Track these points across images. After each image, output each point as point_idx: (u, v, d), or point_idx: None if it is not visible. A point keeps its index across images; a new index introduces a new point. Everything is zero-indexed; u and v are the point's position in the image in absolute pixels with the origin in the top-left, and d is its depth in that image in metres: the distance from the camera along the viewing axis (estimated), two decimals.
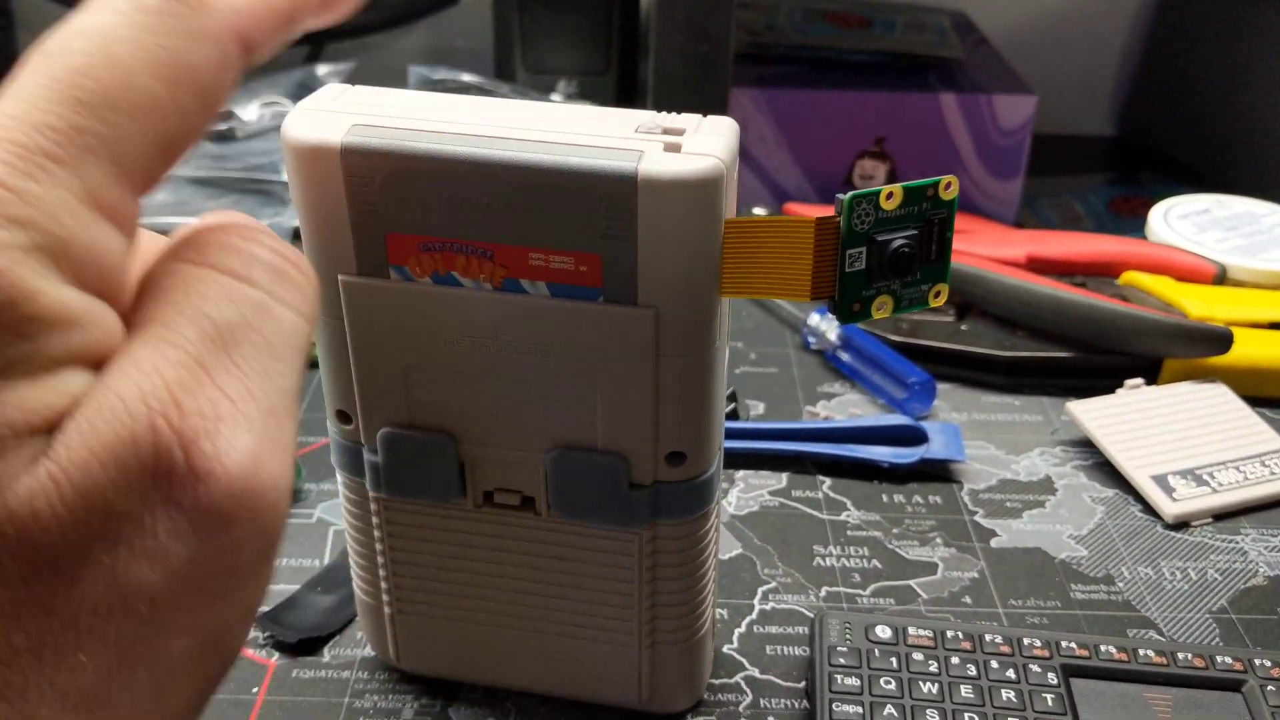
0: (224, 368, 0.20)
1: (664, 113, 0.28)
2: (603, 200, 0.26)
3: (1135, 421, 0.48)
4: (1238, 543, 0.44)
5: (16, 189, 0.17)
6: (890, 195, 0.26)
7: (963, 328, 0.54)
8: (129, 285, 0.20)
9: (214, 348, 0.20)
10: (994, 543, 0.43)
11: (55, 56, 0.19)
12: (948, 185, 0.27)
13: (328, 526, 0.43)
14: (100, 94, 0.18)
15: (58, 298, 0.18)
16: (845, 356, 0.53)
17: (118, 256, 0.19)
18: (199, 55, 0.20)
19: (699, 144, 0.26)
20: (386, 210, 0.27)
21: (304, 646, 0.38)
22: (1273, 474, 0.46)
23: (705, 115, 0.28)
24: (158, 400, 0.18)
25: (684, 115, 0.28)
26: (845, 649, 0.35)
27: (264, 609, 0.38)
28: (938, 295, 0.28)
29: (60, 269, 0.18)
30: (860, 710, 0.34)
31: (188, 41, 0.20)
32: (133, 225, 0.20)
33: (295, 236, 0.63)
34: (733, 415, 0.49)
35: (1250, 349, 0.51)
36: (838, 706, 0.34)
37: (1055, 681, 0.35)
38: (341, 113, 0.27)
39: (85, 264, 0.18)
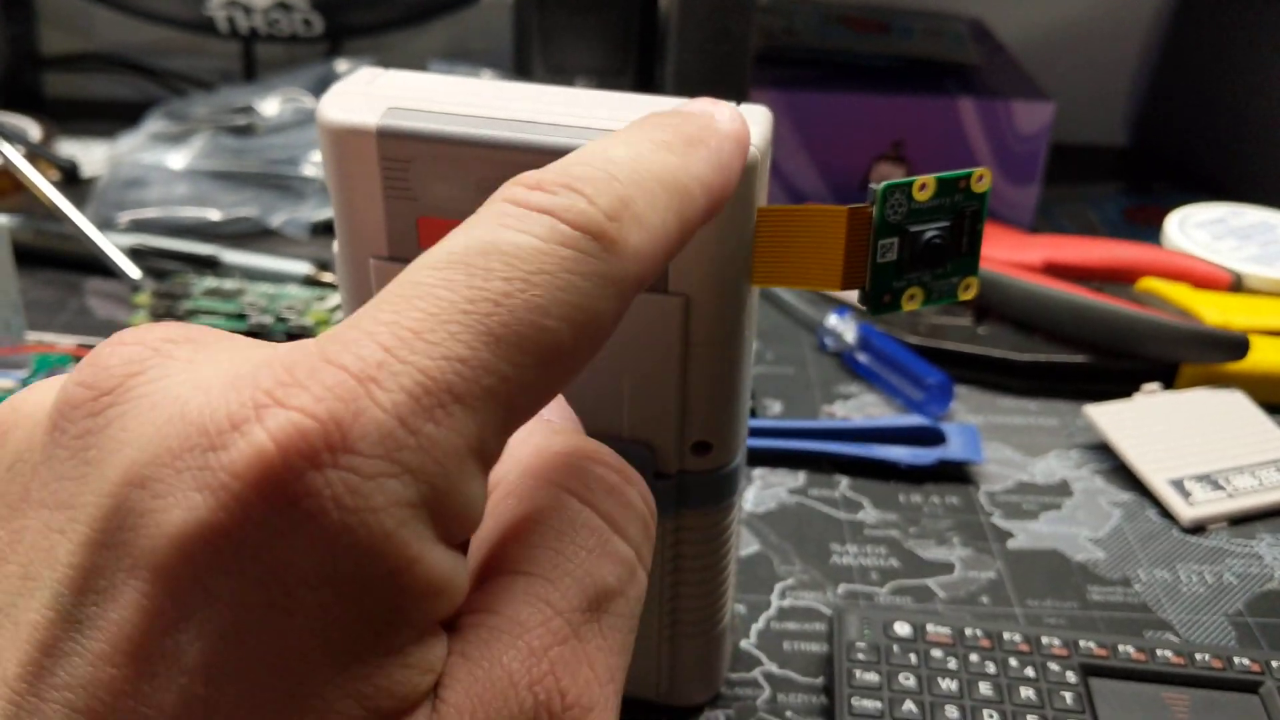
0: (596, 644, 0.18)
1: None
2: None
3: (1152, 426, 0.48)
4: (1253, 547, 0.44)
5: (416, 430, 0.15)
6: (923, 186, 0.26)
7: (980, 331, 0.54)
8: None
9: (591, 617, 0.18)
10: (1011, 544, 0.43)
11: (474, 274, 0.16)
12: (980, 178, 0.27)
13: None
14: (515, 331, 0.16)
15: (433, 564, 0.16)
16: (862, 357, 0.53)
17: (480, 512, 0.17)
18: (606, 304, 0.18)
19: None
20: (420, 193, 0.27)
21: None
22: None
23: (739, 104, 0.28)
24: (544, 689, 0.17)
25: None
26: (864, 645, 0.35)
27: None
28: (968, 288, 0.28)
29: (435, 528, 0.16)
30: (880, 705, 0.34)
31: (600, 287, 0.17)
32: (491, 469, 0.18)
33: (315, 230, 0.63)
34: (750, 413, 0.49)
35: (1266, 356, 0.51)
36: (857, 701, 0.34)
37: (1074, 680, 0.35)
38: (377, 96, 0.27)
39: (456, 522, 0.16)
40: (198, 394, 0.16)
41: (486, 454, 0.17)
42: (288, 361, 0.16)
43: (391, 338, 0.16)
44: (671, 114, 0.21)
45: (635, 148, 0.19)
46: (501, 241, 0.17)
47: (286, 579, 0.15)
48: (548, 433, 0.21)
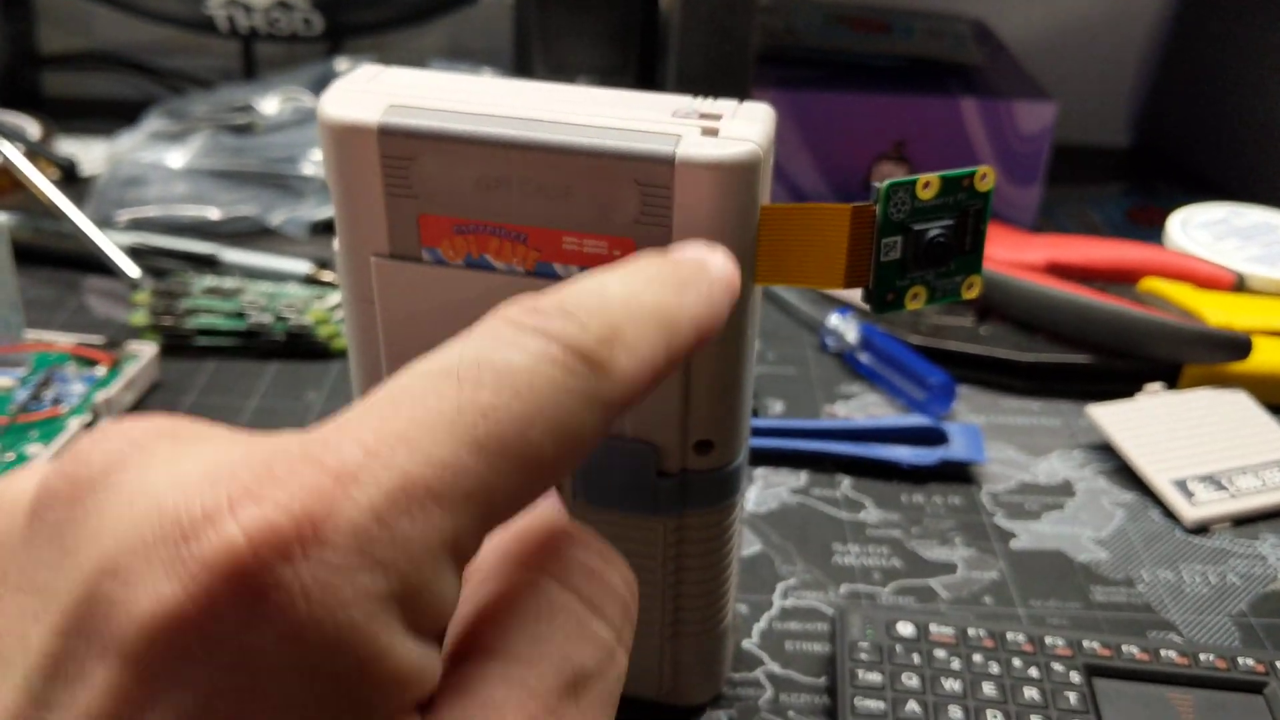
0: None
1: (700, 98, 0.28)
2: (639, 183, 0.26)
3: (1155, 426, 0.48)
4: (1257, 548, 0.44)
5: (391, 526, 0.16)
6: (927, 184, 0.26)
7: (982, 331, 0.54)
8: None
9: (568, 701, 0.18)
10: (1013, 544, 0.43)
11: (464, 384, 0.17)
12: (983, 176, 0.27)
13: None
14: (499, 440, 0.17)
15: (402, 656, 0.16)
16: (864, 357, 0.53)
17: (452, 605, 0.17)
18: (589, 422, 0.18)
19: (737, 129, 0.26)
20: (421, 191, 0.27)
21: None
22: None
23: (741, 102, 0.28)
24: None
25: (720, 100, 0.28)
26: (867, 645, 0.35)
27: None
28: (970, 287, 0.28)
29: (405, 620, 0.16)
30: (883, 705, 0.33)
31: (585, 405, 0.18)
32: (467, 565, 0.18)
33: (314, 229, 0.63)
34: (752, 413, 0.49)
35: (1269, 357, 0.51)
36: (859, 701, 0.34)
37: (1078, 681, 0.34)
38: (378, 93, 0.27)
39: (427, 615, 0.17)
40: (174, 488, 0.16)
41: (461, 551, 0.17)
42: (267, 458, 0.16)
43: (374, 439, 0.16)
44: (667, 256, 0.22)
45: (630, 283, 0.20)
46: (494, 357, 0.18)
47: (254, 668, 0.15)
48: (527, 515, 0.21)
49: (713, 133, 0.26)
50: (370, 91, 0.28)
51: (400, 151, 0.27)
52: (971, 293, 0.28)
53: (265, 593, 0.15)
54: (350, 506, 0.16)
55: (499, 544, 0.20)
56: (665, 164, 0.25)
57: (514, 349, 0.18)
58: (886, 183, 0.26)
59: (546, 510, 0.21)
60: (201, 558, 0.15)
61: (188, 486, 0.16)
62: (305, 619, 0.15)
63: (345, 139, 0.27)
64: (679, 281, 0.21)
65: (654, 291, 0.20)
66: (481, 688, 0.18)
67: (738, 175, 0.26)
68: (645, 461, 0.30)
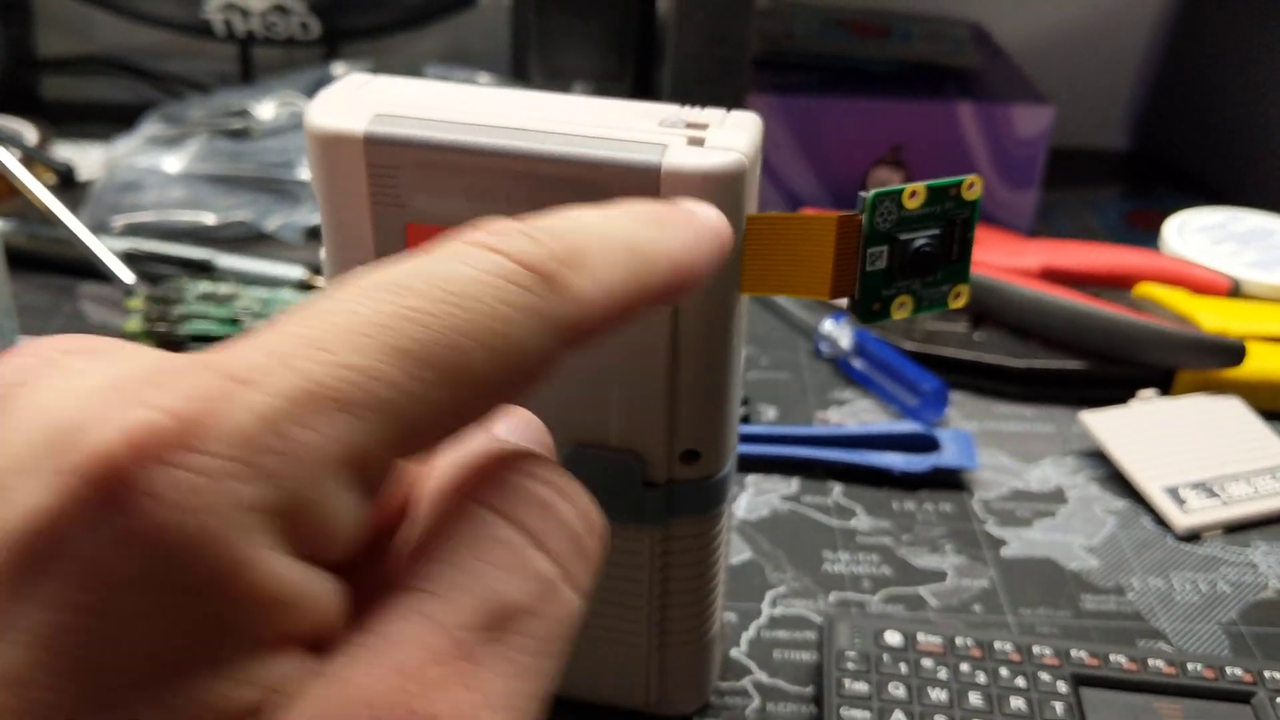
0: (495, 668, 0.16)
1: (687, 107, 0.28)
2: (625, 193, 0.26)
3: (1148, 433, 0.48)
4: (1248, 555, 0.44)
5: (285, 434, 0.15)
6: (913, 194, 0.26)
7: (976, 337, 0.54)
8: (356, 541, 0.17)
9: (490, 637, 0.16)
10: (1004, 552, 0.43)
11: (399, 293, 0.16)
12: (970, 185, 0.27)
13: None
14: (422, 346, 0.16)
15: (270, 573, 0.15)
16: (857, 363, 0.53)
17: (348, 528, 0.16)
18: (536, 340, 0.17)
19: (722, 138, 0.26)
20: (408, 201, 0.27)
21: None
22: None
23: (729, 110, 0.28)
24: (409, 713, 0.15)
25: (707, 110, 0.28)
26: (854, 654, 0.35)
27: None
28: (958, 297, 0.28)
29: (284, 536, 0.15)
30: (869, 715, 0.33)
31: (532, 321, 0.17)
32: (380, 488, 0.17)
33: (309, 235, 0.63)
34: (744, 419, 0.49)
35: (1264, 362, 0.51)
36: (845, 711, 0.34)
37: (1065, 690, 0.34)
38: (365, 101, 0.27)
39: (313, 532, 0.15)
40: (67, 400, 0.15)
41: (368, 466, 0.16)
42: (168, 366, 0.15)
43: (284, 346, 0.15)
44: (656, 202, 0.21)
45: (606, 215, 0.20)
46: (438, 269, 0.17)
47: (107, 580, 0.14)
48: (476, 443, 0.20)
49: (699, 142, 0.26)
50: (357, 100, 0.28)
51: (387, 160, 0.27)
52: (958, 302, 0.28)
53: (126, 497, 0.14)
54: (239, 410, 0.15)
55: (442, 474, 0.19)
56: (651, 174, 0.26)
57: (463, 263, 0.17)
58: (872, 192, 0.26)
59: (495, 440, 0.20)
60: (72, 463, 0.14)
61: (80, 396, 0.15)
62: (159, 525, 0.14)
63: (332, 148, 0.27)
64: (659, 220, 0.20)
65: (628, 224, 0.20)
66: (381, 623, 0.16)
67: (723, 185, 0.26)
68: (631, 472, 0.30)
